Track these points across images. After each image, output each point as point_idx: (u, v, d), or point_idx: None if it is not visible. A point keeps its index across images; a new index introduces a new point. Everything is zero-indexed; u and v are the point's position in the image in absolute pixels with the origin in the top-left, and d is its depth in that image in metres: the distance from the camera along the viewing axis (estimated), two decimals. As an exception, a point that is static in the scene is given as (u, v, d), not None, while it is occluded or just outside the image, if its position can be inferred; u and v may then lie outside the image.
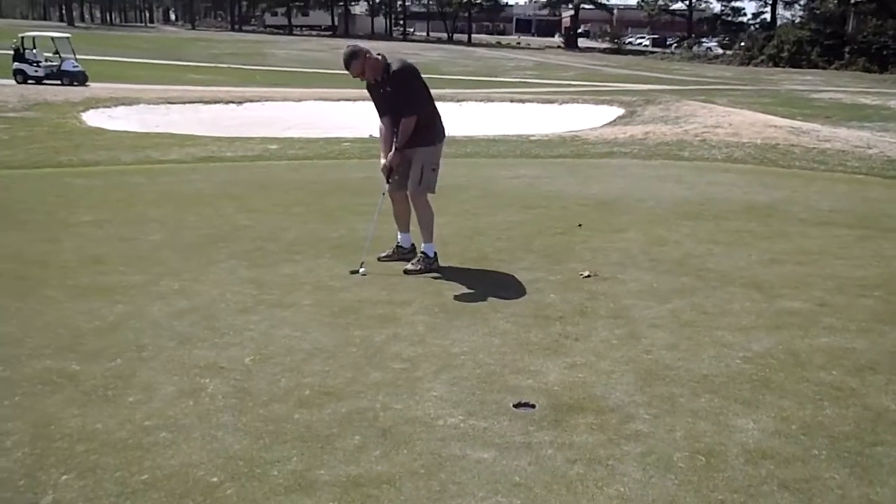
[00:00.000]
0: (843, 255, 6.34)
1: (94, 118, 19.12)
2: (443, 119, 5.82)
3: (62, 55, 29.14)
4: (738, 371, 4.01)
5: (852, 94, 34.11)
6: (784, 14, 79.09)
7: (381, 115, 5.78)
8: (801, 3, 76.50)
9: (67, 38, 31.16)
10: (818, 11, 66.70)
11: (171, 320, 4.65)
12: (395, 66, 5.52)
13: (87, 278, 5.46)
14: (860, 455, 3.18)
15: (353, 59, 5.42)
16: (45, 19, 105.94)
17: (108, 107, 21.29)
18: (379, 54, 5.55)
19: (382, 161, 5.71)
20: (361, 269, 5.61)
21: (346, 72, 5.58)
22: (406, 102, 5.53)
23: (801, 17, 73.15)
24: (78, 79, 28.18)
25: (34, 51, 29.05)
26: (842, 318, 4.80)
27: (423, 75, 5.71)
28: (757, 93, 34.51)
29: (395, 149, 5.59)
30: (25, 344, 4.26)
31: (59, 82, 27.66)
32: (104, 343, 4.28)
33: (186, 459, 3.11)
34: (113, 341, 4.31)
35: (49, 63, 28.89)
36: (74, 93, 24.02)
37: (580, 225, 7.24)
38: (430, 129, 5.67)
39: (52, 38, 30.46)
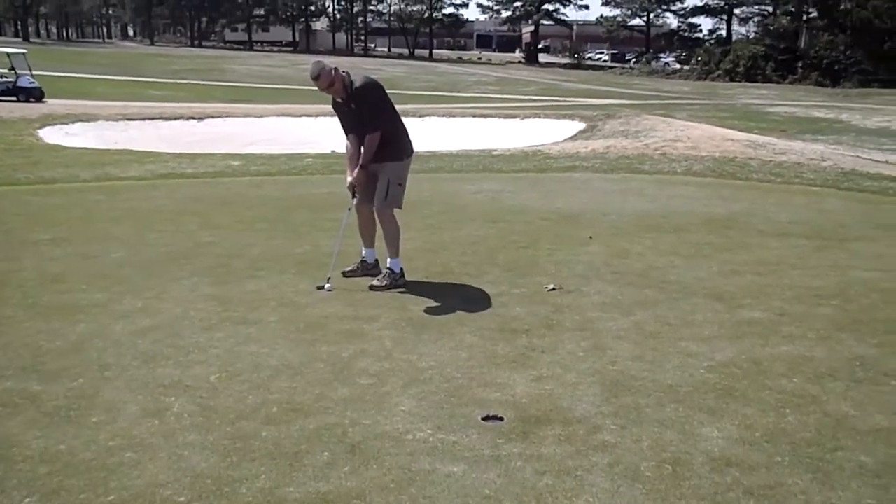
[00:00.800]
0: (800, 266, 6.48)
1: (51, 135, 18.85)
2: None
3: (18, 71, 28.64)
4: (702, 380, 4.07)
5: (806, 107, 34.90)
6: (739, 30, 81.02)
7: (346, 133, 5.79)
8: (756, 19, 78.33)
9: (23, 53, 30.67)
10: (772, 27, 68.32)
11: (134, 339, 4.59)
12: (357, 83, 5.53)
13: (48, 297, 5.37)
14: (822, 461, 3.25)
15: (322, 74, 5.43)
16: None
17: (66, 123, 21.01)
18: (344, 72, 5.57)
19: (348, 178, 5.72)
20: (327, 285, 5.59)
21: (308, 87, 5.61)
22: (370, 118, 5.55)
23: (755, 32, 74.85)
24: (34, 95, 27.72)
25: (-11, 67, 28.59)
26: (801, 327, 4.91)
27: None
28: (714, 107, 35.13)
29: (360, 165, 5.60)
30: (-16, 365, 4.17)
31: (14, 99, 27.18)
32: (66, 363, 4.21)
33: (153, 479, 3.07)
34: (75, 361, 4.24)
35: (4, 79, 28.38)
36: (31, 109, 23.67)
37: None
38: (396, 145, 5.69)
39: (8, 54, 29.94)
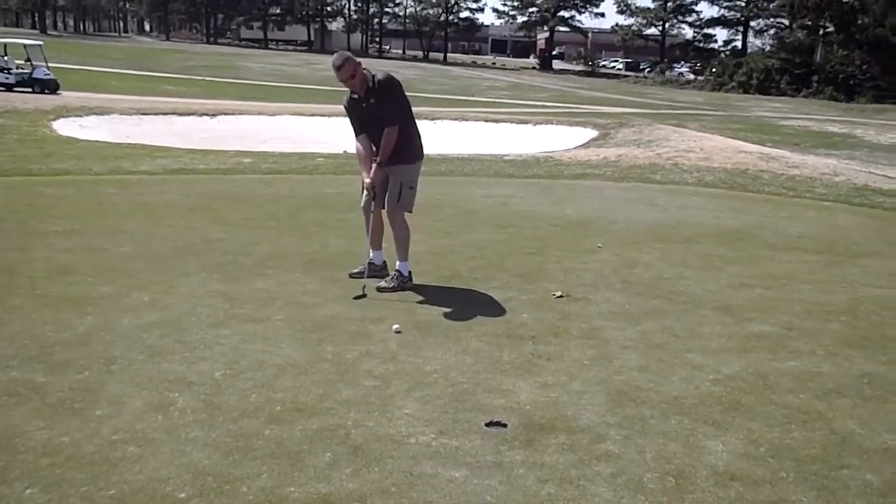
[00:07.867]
0: (810, 281, 6.44)
1: (64, 127, 18.92)
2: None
3: (34, 62, 28.82)
4: (707, 393, 4.05)
5: (820, 121, 34.76)
6: (754, 42, 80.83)
7: (357, 133, 5.75)
8: (771, 32, 78.15)
9: (40, 45, 30.85)
10: (787, 41, 68.06)
11: (140, 333, 4.60)
12: (380, 77, 5.53)
13: (56, 288, 5.39)
14: (827, 478, 3.22)
15: (346, 63, 5.39)
16: (17, 26, 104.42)
17: (80, 116, 21.09)
18: (364, 69, 5.55)
19: (366, 179, 5.64)
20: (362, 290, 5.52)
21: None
22: (389, 113, 5.53)
23: (770, 45, 74.59)
24: (49, 87, 27.87)
25: (5, 58, 28.70)
26: (809, 343, 4.88)
27: (400, 92, 5.72)
28: (727, 118, 35.00)
29: (378, 163, 5.58)
30: (-9, 354, 4.18)
31: (29, 90, 27.32)
32: (72, 355, 4.22)
33: (154, 474, 3.07)
34: (81, 353, 4.25)
35: (20, 70, 28.53)
36: (45, 101, 23.78)
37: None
38: (409, 147, 5.67)
39: (25, 46, 30.15)
